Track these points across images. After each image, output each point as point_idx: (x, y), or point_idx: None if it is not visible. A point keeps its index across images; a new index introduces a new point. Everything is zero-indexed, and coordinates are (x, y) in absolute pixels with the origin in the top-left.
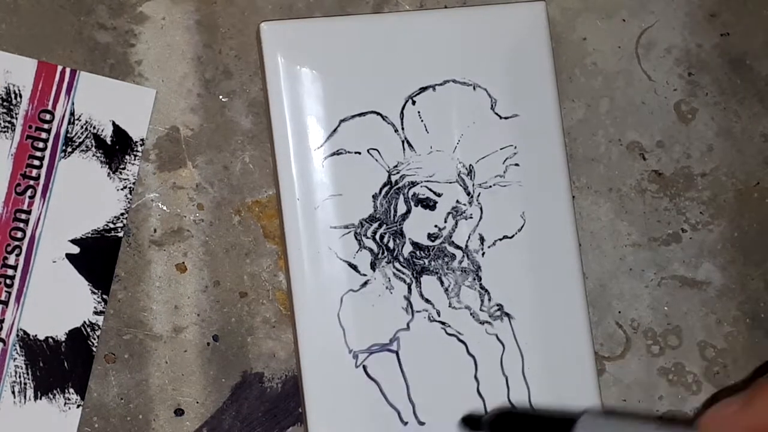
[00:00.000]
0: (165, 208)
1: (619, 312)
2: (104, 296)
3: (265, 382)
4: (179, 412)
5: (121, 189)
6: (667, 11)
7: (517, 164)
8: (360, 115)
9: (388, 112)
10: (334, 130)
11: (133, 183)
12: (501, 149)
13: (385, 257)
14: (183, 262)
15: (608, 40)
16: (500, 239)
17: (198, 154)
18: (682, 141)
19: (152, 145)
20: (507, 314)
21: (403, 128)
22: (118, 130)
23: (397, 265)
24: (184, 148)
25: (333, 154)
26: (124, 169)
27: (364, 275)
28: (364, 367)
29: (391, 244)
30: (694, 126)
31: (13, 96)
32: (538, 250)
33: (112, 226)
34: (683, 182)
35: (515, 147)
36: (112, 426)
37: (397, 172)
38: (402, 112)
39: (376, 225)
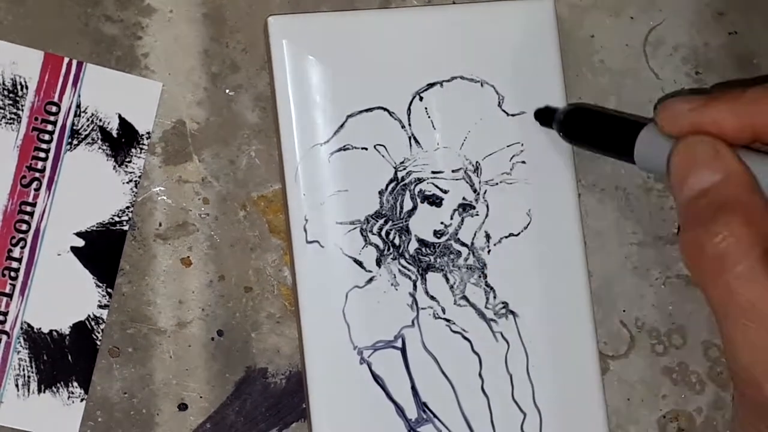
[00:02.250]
0: (170, 201)
1: (624, 311)
2: (109, 290)
3: (269, 377)
4: (183, 406)
5: (127, 182)
6: (675, 9)
7: (523, 161)
8: (367, 110)
9: (395, 107)
10: (341, 126)
11: (139, 176)
12: (508, 146)
13: (390, 254)
14: (188, 257)
15: (616, 37)
16: (506, 237)
17: (204, 148)
18: None
19: (158, 139)
20: (512, 312)
21: (410, 124)
22: (124, 123)
23: (402, 261)
24: (190, 142)
25: (339, 149)
26: (129, 162)
27: (370, 271)
28: (369, 364)
29: (396, 241)
30: None
31: (19, 88)
32: (544, 248)
33: (117, 219)
34: None
35: (522, 144)
36: (115, 420)
37: (404, 168)
38: (409, 108)
39: (382, 221)
